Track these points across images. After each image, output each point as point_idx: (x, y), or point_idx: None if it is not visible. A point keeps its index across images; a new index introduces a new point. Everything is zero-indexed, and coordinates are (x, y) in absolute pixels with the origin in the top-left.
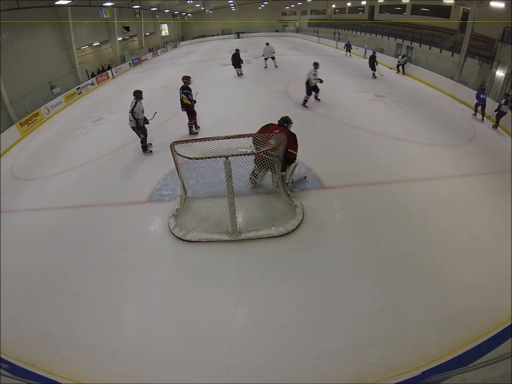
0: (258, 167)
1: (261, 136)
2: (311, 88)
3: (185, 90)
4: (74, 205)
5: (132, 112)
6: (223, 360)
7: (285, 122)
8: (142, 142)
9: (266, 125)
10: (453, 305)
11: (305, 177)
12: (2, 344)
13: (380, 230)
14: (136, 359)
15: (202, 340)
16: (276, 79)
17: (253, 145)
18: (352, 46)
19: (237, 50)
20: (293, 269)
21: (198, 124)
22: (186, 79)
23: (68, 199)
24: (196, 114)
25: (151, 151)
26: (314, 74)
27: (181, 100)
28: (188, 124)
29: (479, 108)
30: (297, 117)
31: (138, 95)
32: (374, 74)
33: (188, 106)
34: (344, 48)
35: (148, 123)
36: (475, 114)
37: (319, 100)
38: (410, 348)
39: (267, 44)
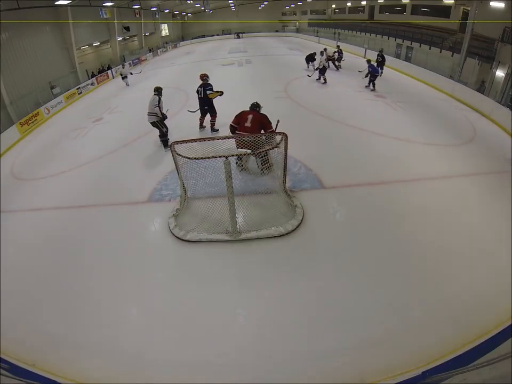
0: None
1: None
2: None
3: (208, 87)
4: (74, 205)
5: (159, 107)
6: (223, 360)
7: (256, 107)
8: (163, 136)
9: (240, 112)
10: (453, 305)
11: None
12: (2, 344)
13: (379, 230)
14: (136, 359)
15: (202, 340)
16: (276, 80)
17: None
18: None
19: (314, 52)
20: (293, 269)
21: (202, 124)
22: (206, 76)
23: (68, 199)
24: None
25: None
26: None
27: (203, 97)
28: (211, 121)
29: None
30: (297, 117)
31: (160, 91)
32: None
33: (211, 103)
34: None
35: (166, 117)
36: (371, 87)
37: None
38: (410, 348)
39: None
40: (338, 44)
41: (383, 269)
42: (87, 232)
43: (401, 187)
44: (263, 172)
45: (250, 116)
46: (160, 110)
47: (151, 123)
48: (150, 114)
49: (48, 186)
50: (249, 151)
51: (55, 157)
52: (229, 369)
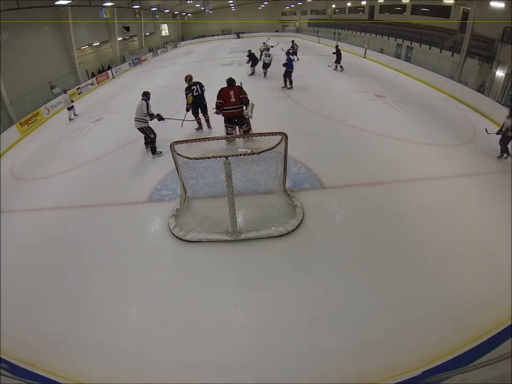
0: (231, 123)
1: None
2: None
3: (203, 86)
4: (74, 205)
5: (148, 113)
6: (223, 360)
7: (233, 81)
8: (152, 142)
9: (221, 90)
10: (453, 305)
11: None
12: (2, 344)
13: (380, 230)
14: (136, 359)
15: (202, 340)
16: (275, 80)
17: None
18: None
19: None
20: (293, 269)
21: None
22: (191, 78)
23: (68, 199)
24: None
25: (161, 152)
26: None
27: (201, 94)
28: (206, 118)
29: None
30: (297, 117)
31: (148, 96)
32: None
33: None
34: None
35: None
36: (288, 85)
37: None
38: (410, 348)
39: None
40: (293, 39)
41: (383, 269)
42: (87, 232)
43: (401, 187)
44: (244, 138)
45: (232, 92)
46: (149, 114)
47: (138, 129)
48: (137, 120)
49: (48, 186)
50: (249, 151)
51: (55, 157)
52: (229, 369)
